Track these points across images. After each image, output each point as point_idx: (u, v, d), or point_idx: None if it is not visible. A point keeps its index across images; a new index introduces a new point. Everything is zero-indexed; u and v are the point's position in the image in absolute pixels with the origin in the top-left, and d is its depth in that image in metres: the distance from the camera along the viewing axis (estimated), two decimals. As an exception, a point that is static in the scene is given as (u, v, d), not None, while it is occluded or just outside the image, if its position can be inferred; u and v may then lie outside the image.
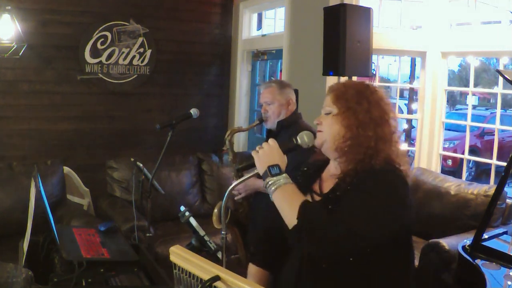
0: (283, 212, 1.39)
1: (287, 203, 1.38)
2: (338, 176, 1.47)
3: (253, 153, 1.50)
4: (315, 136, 1.54)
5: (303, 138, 1.52)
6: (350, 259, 1.36)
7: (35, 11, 4.17)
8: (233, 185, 1.58)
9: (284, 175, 1.42)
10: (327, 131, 1.50)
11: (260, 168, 1.46)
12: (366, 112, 1.46)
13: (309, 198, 1.52)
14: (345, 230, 1.30)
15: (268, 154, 1.47)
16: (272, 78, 5.05)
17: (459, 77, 15.39)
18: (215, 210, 2.44)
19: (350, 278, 1.40)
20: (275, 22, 4.97)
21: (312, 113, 4.02)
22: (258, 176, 1.51)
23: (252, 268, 1.66)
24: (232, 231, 2.59)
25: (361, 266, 1.38)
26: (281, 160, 1.47)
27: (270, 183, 1.41)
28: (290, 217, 1.35)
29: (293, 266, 1.50)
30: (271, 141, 1.51)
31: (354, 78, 3.67)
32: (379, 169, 1.41)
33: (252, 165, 1.52)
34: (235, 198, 2.65)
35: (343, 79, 3.66)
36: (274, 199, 1.41)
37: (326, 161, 1.60)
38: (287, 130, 2.59)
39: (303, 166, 1.68)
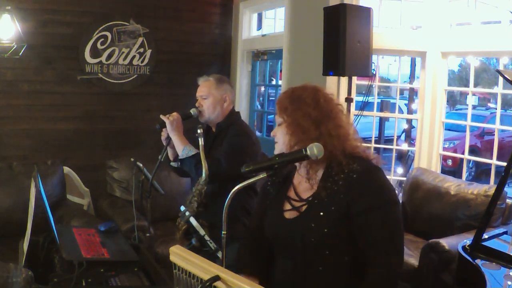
0: None
1: None
2: (310, 179, 1.54)
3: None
4: None
5: (312, 150, 1.51)
6: (346, 258, 1.45)
7: (35, 11, 4.17)
8: (236, 187, 1.54)
9: None
10: (280, 141, 1.59)
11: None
12: (304, 115, 1.53)
13: (287, 205, 1.57)
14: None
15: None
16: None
17: (459, 77, 15.39)
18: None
19: (346, 278, 1.46)
20: (275, 22, 4.96)
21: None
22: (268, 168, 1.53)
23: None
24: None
25: (355, 265, 1.45)
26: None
27: None
28: None
29: (285, 271, 1.53)
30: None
31: (354, 78, 3.68)
32: (361, 170, 1.47)
33: (261, 169, 1.54)
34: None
35: (343, 79, 3.67)
36: None
37: (293, 167, 1.66)
38: (226, 131, 2.54)
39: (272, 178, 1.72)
